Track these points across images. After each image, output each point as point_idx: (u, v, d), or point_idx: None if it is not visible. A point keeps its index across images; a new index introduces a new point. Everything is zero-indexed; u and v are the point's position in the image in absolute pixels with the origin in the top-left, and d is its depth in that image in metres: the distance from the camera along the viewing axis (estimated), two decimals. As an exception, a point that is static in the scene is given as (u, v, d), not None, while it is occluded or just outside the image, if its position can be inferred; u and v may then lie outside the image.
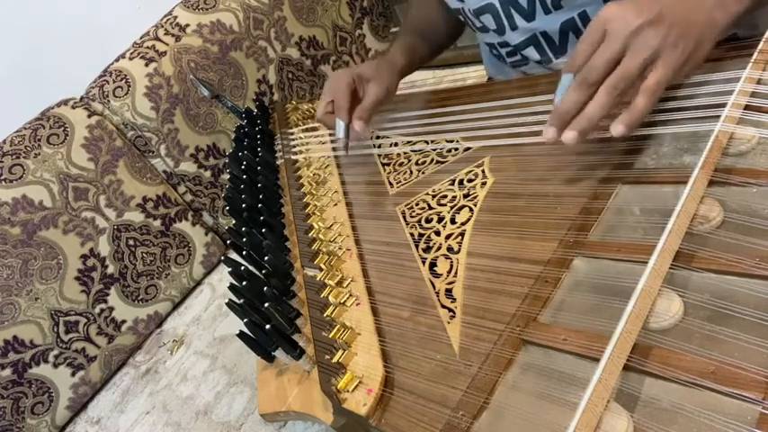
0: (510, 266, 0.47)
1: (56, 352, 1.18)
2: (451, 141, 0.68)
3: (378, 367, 0.45)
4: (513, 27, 0.71)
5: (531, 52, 0.73)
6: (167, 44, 1.37)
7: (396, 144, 0.76)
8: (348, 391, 0.45)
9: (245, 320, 0.53)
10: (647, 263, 0.37)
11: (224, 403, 1.03)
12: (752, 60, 0.49)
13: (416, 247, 0.56)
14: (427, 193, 0.62)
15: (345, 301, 0.54)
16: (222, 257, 0.68)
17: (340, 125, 0.77)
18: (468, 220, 0.54)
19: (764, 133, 0.44)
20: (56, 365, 1.18)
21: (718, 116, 0.45)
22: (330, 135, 0.91)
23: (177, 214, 1.37)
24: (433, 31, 0.92)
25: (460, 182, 0.61)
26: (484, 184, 0.58)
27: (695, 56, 0.46)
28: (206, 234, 1.40)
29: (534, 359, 0.39)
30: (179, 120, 1.36)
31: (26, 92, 1.32)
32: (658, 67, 0.44)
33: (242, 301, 0.56)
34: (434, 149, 0.69)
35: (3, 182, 1.17)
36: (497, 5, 0.70)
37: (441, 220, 0.57)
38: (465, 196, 0.58)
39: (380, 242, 0.60)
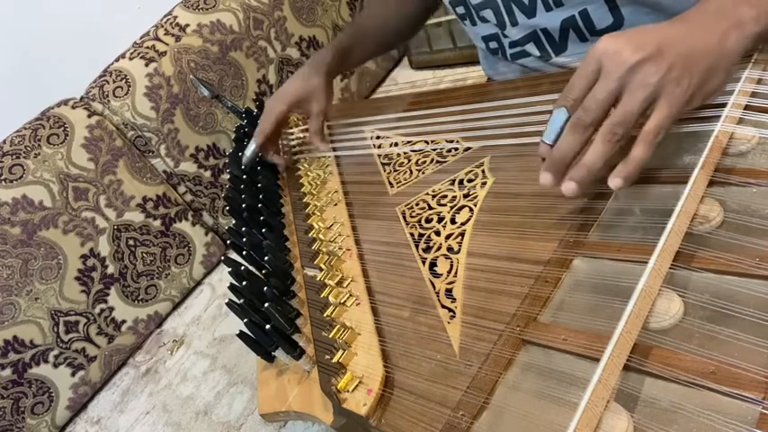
0: (510, 266, 0.47)
1: (56, 352, 1.18)
2: (451, 141, 0.68)
3: (378, 367, 0.45)
4: (514, 23, 0.71)
5: (531, 48, 0.73)
6: (167, 44, 1.37)
7: (396, 144, 0.76)
8: (348, 391, 0.45)
9: (245, 320, 0.53)
10: (647, 263, 0.37)
11: (224, 403, 1.03)
12: (752, 60, 0.49)
13: (416, 247, 0.56)
14: (427, 193, 0.62)
15: (345, 301, 0.54)
16: (222, 257, 0.68)
17: (251, 146, 0.82)
18: (469, 219, 0.54)
19: (764, 133, 0.44)
20: (56, 365, 1.18)
21: (719, 116, 0.45)
22: (330, 135, 0.91)
23: (177, 214, 1.37)
24: (381, 27, 0.95)
25: (460, 182, 0.61)
26: (484, 183, 0.58)
27: (704, 90, 0.41)
28: (206, 234, 1.41)
29: (534, 359, 0.39)
30: (179, 120, 1.36)
31: (26, 92, 1.32)
32: (659, 107, 0.40)
33: (242, 301, 0.56)
34: (434, 149, 0.69)
35: (3, 182, 1.17)
36: (498, 1, 0.70)
37: (441, 220, 0.57)
38: (465, 196, 0.58)
39: (380, 242, 0.60)
